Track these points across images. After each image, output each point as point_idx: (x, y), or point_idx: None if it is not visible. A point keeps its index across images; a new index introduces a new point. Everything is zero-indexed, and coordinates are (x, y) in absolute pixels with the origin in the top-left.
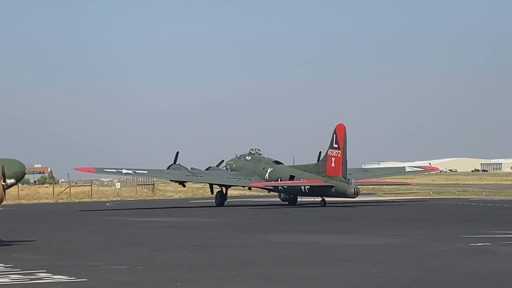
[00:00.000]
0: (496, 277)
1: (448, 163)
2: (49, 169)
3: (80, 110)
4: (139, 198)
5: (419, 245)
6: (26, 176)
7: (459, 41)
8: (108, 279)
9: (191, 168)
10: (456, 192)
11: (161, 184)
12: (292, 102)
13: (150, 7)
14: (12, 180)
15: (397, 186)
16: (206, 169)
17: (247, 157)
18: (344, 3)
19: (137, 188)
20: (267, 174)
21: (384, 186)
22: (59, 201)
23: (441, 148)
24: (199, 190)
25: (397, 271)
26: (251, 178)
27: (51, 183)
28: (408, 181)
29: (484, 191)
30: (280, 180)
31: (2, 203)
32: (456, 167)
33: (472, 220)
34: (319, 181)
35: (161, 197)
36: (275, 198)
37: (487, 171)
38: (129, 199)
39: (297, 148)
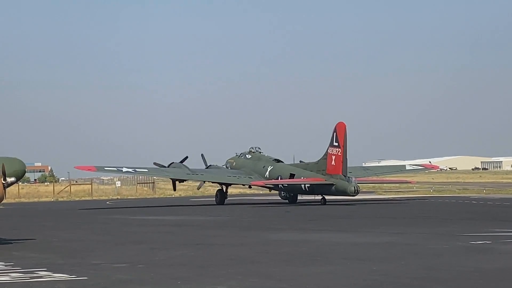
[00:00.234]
0: (497, 275)
1: (448, 161)
2: (49, 168)
3: (80, 108)
4: (139, 197)
5: (419, 243)
6: (27, 175)
7: (460, 39)
8: (108, 277)
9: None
10: (457, 190)
11: (162, 183)
12: (293, 101)
13: (150, 6)
14: (13, 179)
15: (397, 184)
16: (206, 168)
17: (247, 156)
18: (345, 1)
19: (138, 187)
20: (267, 173)
21: (384, 184)
22: (60, 199)
23: (441, 146)
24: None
25: (398, 269)
26: (251, 176)
27: (52, 182)
28: (408, 179)
29: (485, 189)
30: (280, 179)
31: (2, 202)
32: (456, 165)
33: (472, 218)
34: (319, 179)
35: (161, 196)
36: (275, 196)
37: (487, 169)
38: (130, 197)
39: (297, 146)
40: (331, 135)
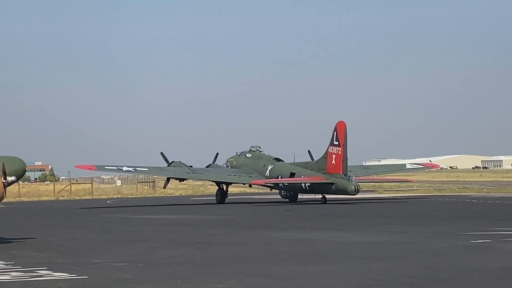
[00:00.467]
0: (497, 274)
1: (448, 160)
2: (49, 167)
3: (80, 108)
4: (139, 196)
5: (419, 242)
6: (27, 174)
7: (460, 39)
8: (108, 276)
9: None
10: (457, 189)
11: (162, 182)
12: (293, 100)
13: (150, 4)
14: (13, 178)
15: (397, 183)
16: (207, 167)
17: (247, 155)
18: (345, 0)
19: (138, 186)
20: (267, 172)
21: (385, 183)
22: (60, 198)
23: (441, 145)
24: (199, 188)
25: (398, 268)
26: (251, 175)
27: (52, 181)
28: (408, 178)
29: (485, 188)
30: (281, 178)
31: (2, 201)
32: (456, 164)
33: (472, 217)
34: (319, 178)
35: (162, 195)
36: (275, 195)
37: (487, 168)
38: (130, 196)
39: (298, 145)
40: (331, 134)
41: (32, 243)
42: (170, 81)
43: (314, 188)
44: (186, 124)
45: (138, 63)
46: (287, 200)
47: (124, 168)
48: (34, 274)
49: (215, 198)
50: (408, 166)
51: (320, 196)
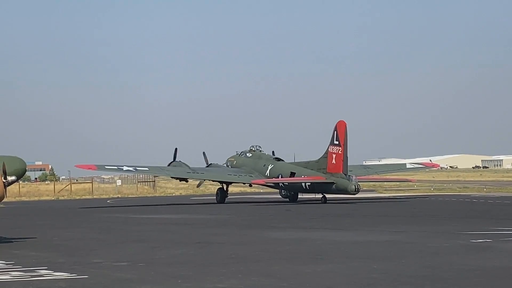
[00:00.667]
0: (497, 274)
1: (448, 159)
2: (50, 166)
3: (81, 107)
4: (140, 195)
5: (420, 241)
6: (27, 173)
7: (460, 39)
8: (109, 276)
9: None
10: (457, 189)
11: (162, 181)
12: (293, 99)
13: (150, 4)
14: (13, 177)
15: (398, 183)
16: (207, 166)
17: (247, 154)
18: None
19: (138, 185)
20: (267, 171)
21: (385, 183)
22: (60, 198)
23: (441, 145)
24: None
25: (398, 267)
26: (251, 175)
27: (52, 180)
28: (409, 177)
29: (485, 188)
30: (281, 177)
31: (3, 200)
32: (457, 163)
33: (473, 216)
34: (320, 178)
35: (162, 194)
36: (275, 195)
37: (487, 167)
38: (130, 196)
39: (298, 145)
40: (331, 134)
41: (33, 242)
42: (170, 81)
43: (314, 187)
44: (186, 124)
45: (138, 63)
46: (287, 199)
47: (124, 168)
48: (35, 273)
49: (215, 197)
50: (408, 166)
51: (320, 195)
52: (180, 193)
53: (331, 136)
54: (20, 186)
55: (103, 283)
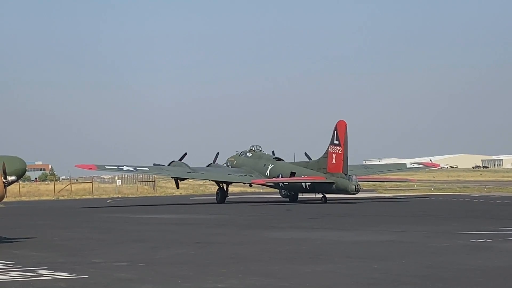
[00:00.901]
0: (497, 273)
1: (449, 159)
2: (50, 166)
3: (81, 107)
4: (140, 195)
5: (420, 241)
6: (27, 173)
7: (460, 38)
8: (109, 275)
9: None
10: (457, 189)
11: (162, 181)
12: (293, 99)
13: (150, 4)
14: (13, 177)
15: (398, 183)
16: (207, 166)
17: (248, 154)
18: None
19: (138, 185)
20: (268, 171)
21: (385, 183)
22: (60, 198)
23: (442, 145)
24: (200, 187)
25: (398, 267)
26: (252, 175)
27: (52, 180)
28: (409, 177)
29: (485, 188)
30: (281, 177)
31: (3, 200)
32: (457, 163)
33: (473, 216)
34: (320, 178)
35: (162, 194)
36: (276, 195)
37: (488, 167)
38: (130, 196)
39: (298, 145)
40: (331, 134)
41: (33, 242)
42: (171, 81)
43: (314, 187)
44: (186, 124)
45: (138, 63)
46: (287, 199)
47: (125, 168)
48: (35, 273)
49: (215, 197)
50: (408, 166)
51: (320, 195)
52: (180, 193)
53: (331, 136)
54: (20, 186)
55: (103, 283)
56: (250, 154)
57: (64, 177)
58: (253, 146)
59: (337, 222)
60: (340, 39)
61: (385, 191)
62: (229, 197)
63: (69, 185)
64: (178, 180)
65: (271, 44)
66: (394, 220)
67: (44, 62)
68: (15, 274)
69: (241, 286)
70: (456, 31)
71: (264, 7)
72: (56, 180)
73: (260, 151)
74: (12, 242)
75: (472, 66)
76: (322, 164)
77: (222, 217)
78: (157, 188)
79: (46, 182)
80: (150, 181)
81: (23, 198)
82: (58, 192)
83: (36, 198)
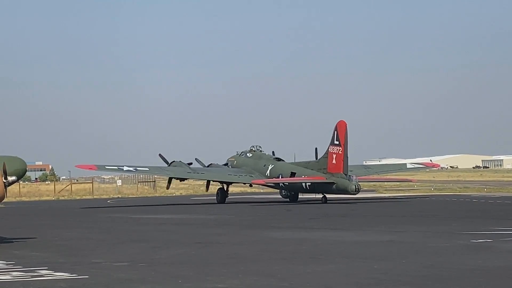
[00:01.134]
0: (498, 273)
1: (449, 159)
2: (50, 167)
3: (81, 107)
4: (140, 195)
5: (420, 241)
6: (27, 174)
7: (459, 38)
8: (109, 276)
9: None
10: (457, 189)
11: (162, 181)
12: (293, 99)
13: (150, 4)
14: (14, 178)
15: (398, 183)
16: (207, 166)
17: (248, 154)
18: None
19: (138, 185)
20: (268, 171)
21: (385, 183)
22: (60, 198)
23: (442, 145)
24: (200, 187)
25: (399, 267)
26: (252, 175)
27: (52, 181)
28: (409, 177)
29: (485, 188)
30: (281, 177)
31: (3, 201)
32: (457, 163)
33: (473, 216)
34: (320, 178)
35: (162, 194)
36: (276, 195)
37: (488, 167)
38: (130, 196)
39: (298, 145)
40: (332, 134)
41: (33, 243)
42: (171, 80)
43: (314, 187)
44: (187, 124)
45: (138, 62)
46: (287, 199)
47: (125, 168)
48: (35, 274)
49: (215, 197)
50: (408, 166)
51: (320, 195)
52: (180, 193)
53: (331, 136)
54: (21, 186)
55: (103, 283)
56: (250, 154)
57: (64, 177)
58: (253, 146)
59: (337, 222)
60: (340, 39)
61: (385, 191)
62: (229, 197)
63: (70, 185)
64: (178, 180)
65: (272, 44)
66: (394, 220)
67: (44, 62)
68: (16, 275)
69: (241, 286)
70: (456, 31)
71: (264, 7)
72: (56, 180)
73: (260, 151)
74: (12, 242)
75: (472, 66)
76: (322, 164)
77: (222, 217)
78: (157, 188)
79: (47, 182)
80: (150, 181)
81: (24, 198)
82: (59, 192)
83: (37, 198)
